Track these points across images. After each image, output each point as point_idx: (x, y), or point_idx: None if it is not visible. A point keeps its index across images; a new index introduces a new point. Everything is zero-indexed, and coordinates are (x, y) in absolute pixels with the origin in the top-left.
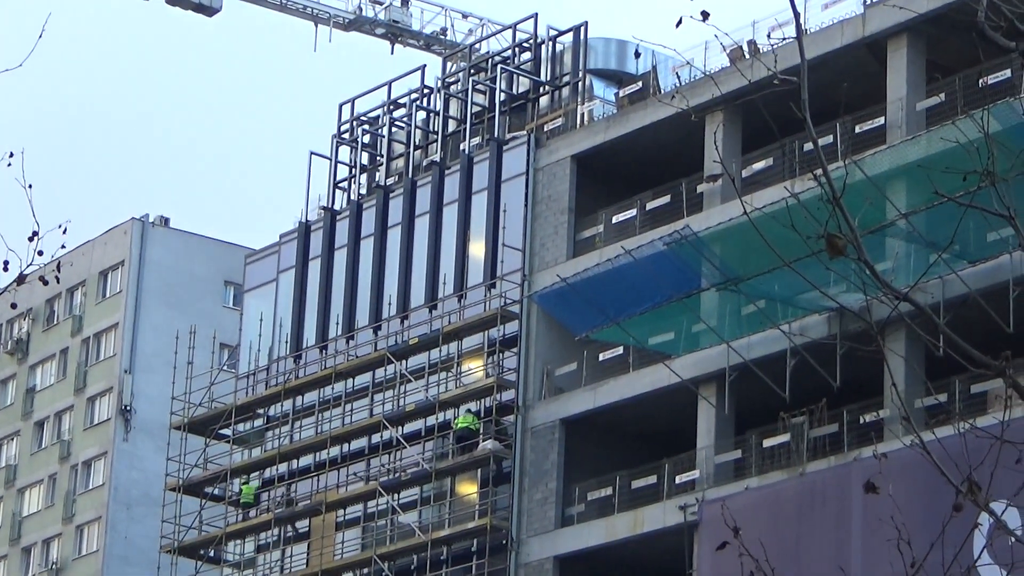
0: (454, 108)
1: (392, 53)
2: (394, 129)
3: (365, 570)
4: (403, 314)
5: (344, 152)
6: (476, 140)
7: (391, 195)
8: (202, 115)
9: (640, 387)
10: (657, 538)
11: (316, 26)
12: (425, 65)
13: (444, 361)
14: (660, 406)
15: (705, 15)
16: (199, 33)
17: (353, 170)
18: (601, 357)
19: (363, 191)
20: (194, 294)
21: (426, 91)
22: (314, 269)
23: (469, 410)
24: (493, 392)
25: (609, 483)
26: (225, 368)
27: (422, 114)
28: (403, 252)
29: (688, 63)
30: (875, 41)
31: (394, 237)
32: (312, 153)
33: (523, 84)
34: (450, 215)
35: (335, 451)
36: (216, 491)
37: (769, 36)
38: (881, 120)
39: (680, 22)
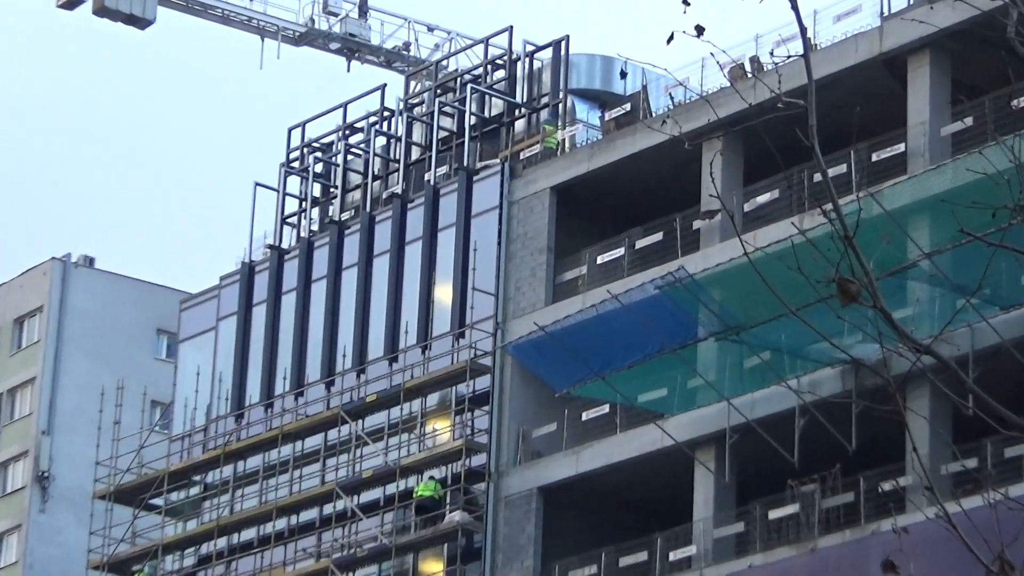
0: (418, 133)
1: (348, 71)
2: (350, 157)
3: None
4: (360, 367)
5: (293, 183)
6: (443, 169)
7: (346, 232)
8: (132, 141)
9: (629, 450)
10: None
11: (263, 40)
12: (385, 84)
13: (406, 421)
14: (651, 472)
15: (700, 30)
16: (129, 48)
17: (304, 203)
18: (585, 416)
19: (315, 227)
20: (122, 344)
21: (386, 114)
22: (259, 316)
23: (433, 477)
24: (462, 456)
25: (593, 560)
26: (157, 429)
27: (382, 140)
28: (360, 297)
29: (681, 83)
30: (894, 58)
31: (349, 279)
32: (257, 184)
33: (496, 106)
34: (413, 254)
35: (282, 523)
36: (146, 568)
37: (773, 53)
38: (901, 147)
39: (672, 38)
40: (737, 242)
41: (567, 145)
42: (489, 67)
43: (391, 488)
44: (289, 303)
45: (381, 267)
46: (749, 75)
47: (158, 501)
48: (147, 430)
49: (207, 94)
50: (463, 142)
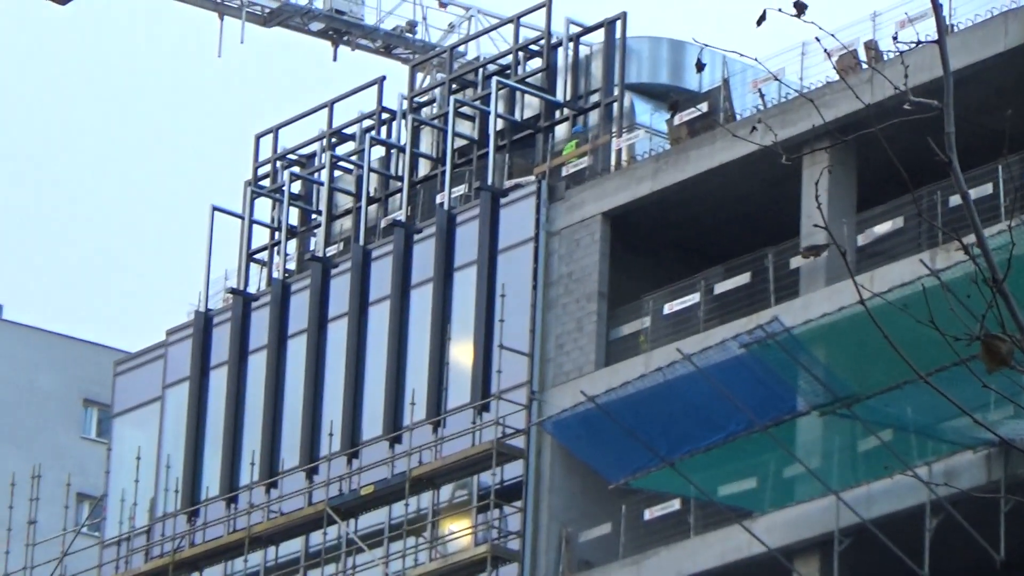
0: (427, 141)
1: (335, 59)
2: (338, 173)
3: None
4: (351, 450)
5: (263, 207)
6: (460, 189)
7: (333, 271)
8: (47, 152)
9: (706, 560)
10: None
11: (221, 19)
12: (384, 77)
13: (413, 521)
14: None
15: (801, 7)
16: (44, 29)
17: (277, 234)
18: (648, 515)
19: (291, 265)
20: (38, 419)
21: (385, 116)
22: (218, 382)
23: None
24: (487, 567)
25: None
26: (85, 530)
27: (379, 150)
28: (351, 357)
29: (776, 77)
30: None
31: (338, 334)
32: (215, 208)
33: (531, 106)
34: (421, 301)
35: None
36: None
37: (896, 37)
38: None
39: (764, 17)
40: (848, 286)
41: (623, 157)
42: (521, 54)
43: None
44: (258, 365)
45: (379, 318)
46: (864, 66)
47: None
48: (72, 532)
49: (147, 90)
50: (487, 153)
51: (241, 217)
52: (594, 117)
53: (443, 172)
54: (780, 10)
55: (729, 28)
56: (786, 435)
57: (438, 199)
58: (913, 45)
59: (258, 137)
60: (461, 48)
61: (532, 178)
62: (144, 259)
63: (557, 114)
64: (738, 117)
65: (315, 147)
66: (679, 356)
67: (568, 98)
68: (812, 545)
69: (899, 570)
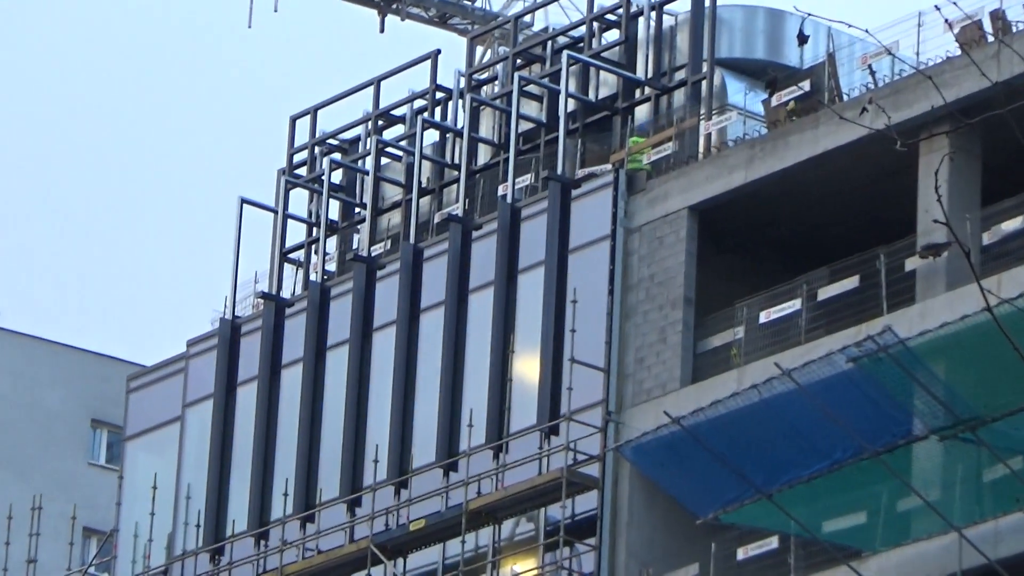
0: (487, 125)
1: (382, 31)
2: (385, 160)
3: None
4: (400, 479)
5: (299, 199)
6: (526, 179)
7: (379, 273)
8: (62, 137)
9: None
10: None
11: None
12: (439, 51)
13: (471, 560)
14: None
15: None
16: (56, 5)
17: (315, 230)
18: (741, 555)
19: (331, 266)
20: (40, 442)
21: (440, 96)
22: (246, 400)
23: None
24: None
25: None
26: (93, 571)
27: (433, 135)
28: (400, 372)
29: (889, 51)
30: None
31: (384, 345)
32: (244, 201)
33: (607, 84)
34: (480, 308)
35: None
36: None
37: None
38: None
39: None
40: (972, 291)
41: (713, 143)
42: (596, 25)
43: None
44: (292, 381)
45: (432, 327)
46: (990, 39)
47: None
48: (77, 572)
49: (168, 67)
50: (556, 138)
51: (274, 211)
52: (680, 97)
53: (506, 160)
54: None
55: None
56: (901, 463)
57: (500, 190)
58: None
59: (294, 119)
60: (527, 18)
61: (608, 167)
62: (162, 259)
63: (637, 93)
64: (845, 97)
65: (359, 131)
66: (777, 371)
67: (650, 75)
68: None
69: None
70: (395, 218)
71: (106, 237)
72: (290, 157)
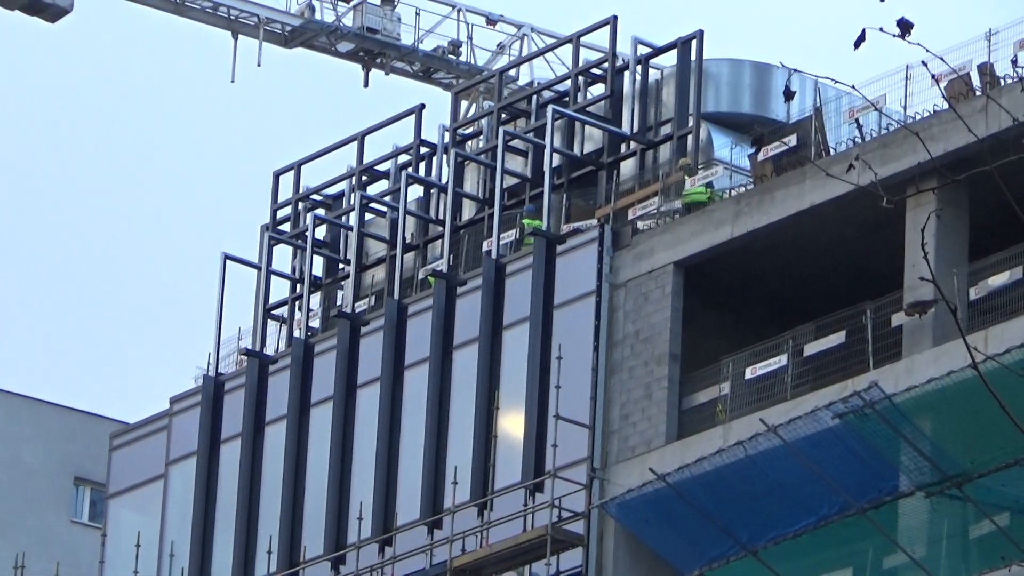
0: (472, 180)
1: (366, 85)
2: (369, 216)
3: None
4: (384, 536)
5: (282, 255)
6: (510, 235)
7: (364, 329)
8: (35, 192)
9: None
10: None
11: (235, 39)
12: (423, 106)
13: None
14: None
15: (905, 26)
16: (33, 49)
17: (299, 286)
18: None
19: (315, 323)
20: (22, 499)
21: (424, 151)
22: (230, 457)
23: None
24: None
25: None
26: None
27: (417, 190)
28: (384, 429)
29: (875, 106)
30: None
31: (368, 403)
32: (228, 257)
33: (592, 139)
34: (465, 364)
35: None
36: None
37: (1016, 61)
38: None
39: (863, 38)
40: (959, 347)
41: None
42: (581, 79)
43: None
44: (276, 438)
45: (416, 383)
46: (978, 93)
47: None
48: None
49: (149, 119)
50: (541, 193)
51: (257, 267)
52: (666, 151)
53: (491, 215)
54: (882, 29)
55: (822, 50)
56: (887, 519)
57: (485, 246)
58: None
59: (277, 175)
60: (512, 72)
61: (594, 222)
62: (145, 316)
63: (623, 148)
64: (832, 152)
65: (343, 186)
66: (763, 428)
67: (636, 130)
68: None
69: None
70: (379, 274)
71: (88, 293)
72: (273, 213)
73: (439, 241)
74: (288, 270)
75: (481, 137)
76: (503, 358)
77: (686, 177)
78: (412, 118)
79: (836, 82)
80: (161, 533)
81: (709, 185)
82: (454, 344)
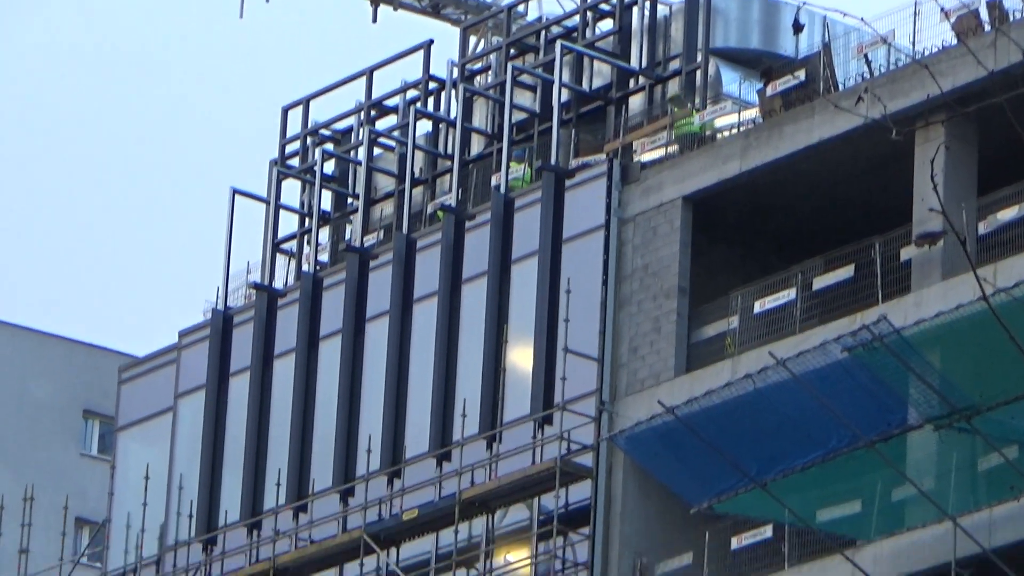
0: (480, 115)
1: (375, 20)
2: (378, 151)
3: None
4: (392, 470)
5: (291, 190)
6: (519, 170)
7: (372, 264)
8: (49, 123)
9: None
10: None
11: None
12: (432, 41)
13: (464, 550)
14: None
15: None
16: None
17: (307, 220)
18: (735, 543)
19: (324, 257)
20: (31, 433)
21: (433, 87)
22: (238, 391)
23: None
24: None
25: None
26: (85, 561)
27: (426, 125)
28: (393, 363)
29: (885, 40)
30: None
31: (377, 336)
32: (236, 192)
33: (601, 74)
34: (473, 298)
35: None
36: None
37: None
38: None
39: None
40: (968, 280)
41: (707, 132)
42: (590, 14)
43: None
44: (285, 371)
45: (425, 317)
46: (988, 28)
47: None
48: (69, 562)
49: (158, 57)
50: (550, 128)
51: (266, 201)
52: (674, 87)
53: (499, 150)
54: None
55: None
56: (895, 452)
57: (494, 181)
58: None
59: (286, 110)
60: (521, 7)
61: (602, 157)
62: (154, 250)
63: (632, 83)
64: (841, 87)
65: (351, 121)
66: (771, 361)
67: (644, 65)
68: None
69: None
70: (388, 208)
71: (98, 227)
72: (282, 148)
73: (448, 175)
74: (297, 204)
75: (490, 72)
76: (512, 292)
77: (675, 109)
78: (421, 54)
79: (845, 16)
80: (170, 466)
81: (702, 117)
82: (463, 278)
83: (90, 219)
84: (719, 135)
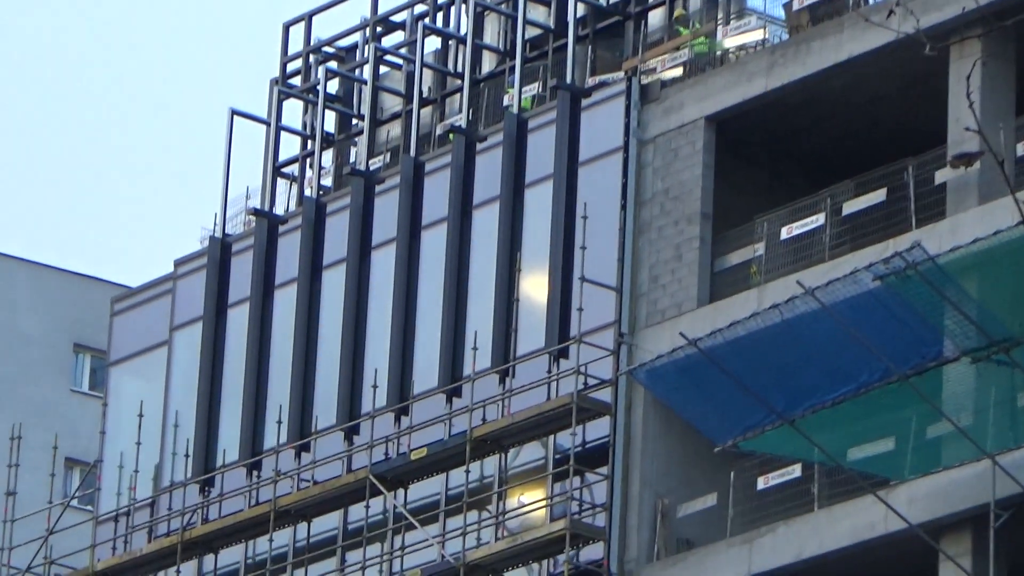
0: (492, 31)
1: None
2: (384, 69)
3: None
4: (399, 406)
5: (293, 110)
6: (532, 88)
7: (378, 188)
8: (42, 44)
9: (833, 538)
10: None
11: None
12: None
13: (476, 491)
14: (871, 570)
15: None
16: None
17: (310, 143)
18: (762, 483)
19: (327, 181)
20: (19, 368)
21: (442, 1)
22: (237, 323)
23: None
24: (565, 547)
25: None
26: (75, 503)
27: (435, 42)
28: (400, 293)
29: None
30: None
31: (383, 264)
32: (235, 112)
33: None
34: (485, 224)
35: None
36: None
37: None
38: None
39: None
40: (1006, 204)
41: (734, 52)
42: None
43: None
44: (286, 302)
45: (434, 244)
46: None
47: None
48: (60, 504)
49: None
50: (565, 45)
51: (266, 123)
52: (696, 1)
53: (512, 68)
54: None
55: None
56: (930, 386)
57: (506, 100)
58: None
59: (287, 26)
60: None
61: (620, 75)
62: (149, 175)
63: None
64: (871, 0)
65: (356, 38)
66: (799, 290)
67: None
68: (962, 520)
69: None
70: (395, 130)
71: (90, 150)
72: (283, 66)
73: (457, 95)
74: (299, 126)
75: None
76: (525, 218)
77: (681, 30)
78: None
79: None
80: (165, 403)
81: (707, 35)
82: (474, 203)
83: (83, 142)
84: (732, 54)
